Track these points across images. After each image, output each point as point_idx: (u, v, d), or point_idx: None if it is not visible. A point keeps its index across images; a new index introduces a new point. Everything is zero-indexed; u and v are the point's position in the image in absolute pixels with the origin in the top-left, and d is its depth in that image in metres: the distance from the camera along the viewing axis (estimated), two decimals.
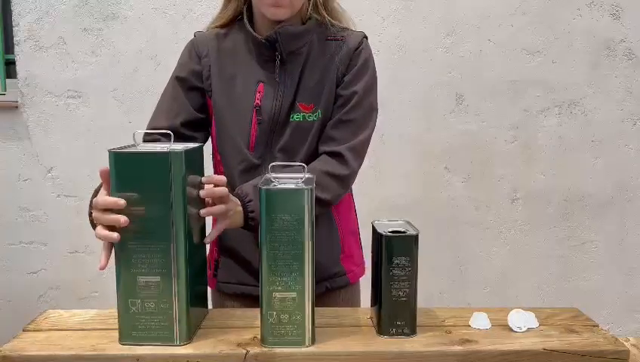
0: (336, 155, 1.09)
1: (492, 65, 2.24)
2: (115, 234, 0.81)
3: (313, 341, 0.86)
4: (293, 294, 0.84)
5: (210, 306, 1.25)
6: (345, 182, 1.10)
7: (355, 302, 1.25)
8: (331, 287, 1.19)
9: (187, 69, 1.16)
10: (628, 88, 2.28)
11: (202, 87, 1.15)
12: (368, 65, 1.13)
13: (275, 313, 0.84)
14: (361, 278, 1.25)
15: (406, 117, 2.23)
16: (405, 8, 2.19)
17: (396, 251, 0.87)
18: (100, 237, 0.84)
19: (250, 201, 1.01)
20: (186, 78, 1.15)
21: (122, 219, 0.81)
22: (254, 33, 1.10)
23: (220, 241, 1.20)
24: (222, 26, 1.17)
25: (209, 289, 1.24)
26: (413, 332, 0.89)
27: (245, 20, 1.12)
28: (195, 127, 1.16)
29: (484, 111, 2.26)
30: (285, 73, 1.10)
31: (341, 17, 1.17)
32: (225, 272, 1.21)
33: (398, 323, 0.88)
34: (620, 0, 2.22)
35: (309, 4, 1.12)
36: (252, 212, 1.00)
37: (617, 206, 2.34)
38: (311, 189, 0.82)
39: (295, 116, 1.10)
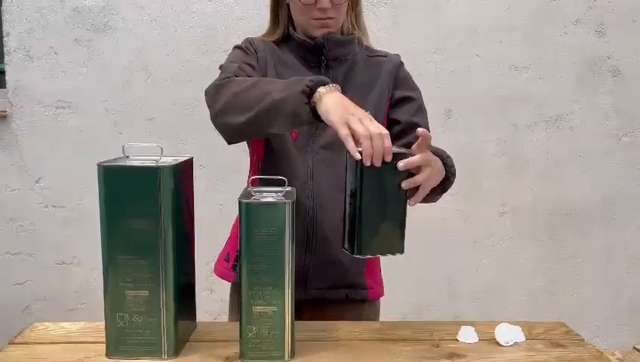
0: None
1: (480, 80, 2.26)
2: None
3: (292, 354, 0.86)
4: (274, 308, 0.84)
5: (228, 302, 1.22)
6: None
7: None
8: (351, 297, 1.17)
9: (247, 51, 1.17)
10: (613, 104, 2.31)
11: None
12: (413, 80, 1.24)
13: (254, 327, 0.84)
14: (381, 299, 1.23)
15: None
16: (395, 24, 2.22)
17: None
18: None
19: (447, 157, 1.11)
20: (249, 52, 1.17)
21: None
22: (303, 37, 1.15)
23: None
24: None
25: (227, 285, 1.21)
26: (400, 250, 0.89)
27: (292, 31, 1.17)
28: None
29: (472, 125, 2.28)
30: (330, 77, 1.14)
31: (367, 36, 1.24)
32: None
33: (386, 242, 0.88)
34: (605, 18, 2.27)
35: (348, 20, 1.19)
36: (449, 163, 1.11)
37: (604, 220, 2.37)
38: (292, 203, 0.83)
39: None
